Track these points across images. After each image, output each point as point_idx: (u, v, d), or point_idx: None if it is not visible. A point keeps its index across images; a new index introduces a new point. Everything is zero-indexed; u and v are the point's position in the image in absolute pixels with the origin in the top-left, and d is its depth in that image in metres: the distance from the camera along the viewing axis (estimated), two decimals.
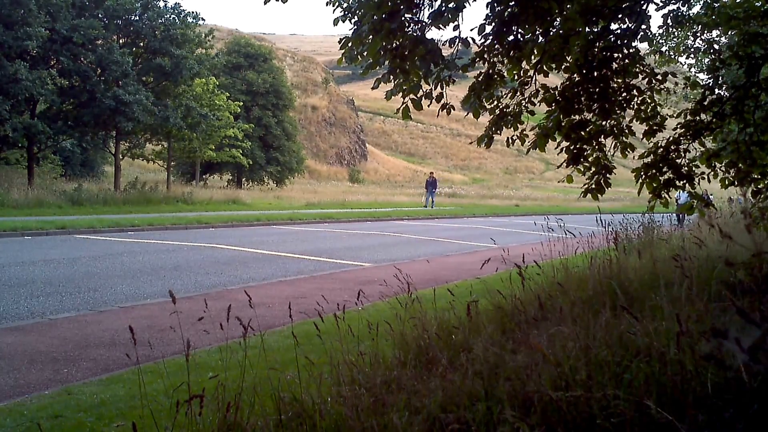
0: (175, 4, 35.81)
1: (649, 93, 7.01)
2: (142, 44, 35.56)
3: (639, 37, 6.72)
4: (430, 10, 6.07)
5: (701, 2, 9.67)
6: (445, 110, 6.52)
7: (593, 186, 6.92)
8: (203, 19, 37.45)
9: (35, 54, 29.93)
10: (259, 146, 51.44)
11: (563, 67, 6.79)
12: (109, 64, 30.91)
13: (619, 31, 6.72)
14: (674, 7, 7.99)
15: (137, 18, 34.93)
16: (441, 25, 5.93)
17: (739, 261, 5.21)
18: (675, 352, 3.32)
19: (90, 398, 5.04)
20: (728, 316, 4.15)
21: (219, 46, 51.09)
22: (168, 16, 35.03)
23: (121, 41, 34.84)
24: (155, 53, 34.56)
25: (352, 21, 6.19)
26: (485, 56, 6.66)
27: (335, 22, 6.33)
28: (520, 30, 6.40)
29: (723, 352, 2.62)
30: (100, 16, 33.08)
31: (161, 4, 35.35)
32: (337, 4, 6.32)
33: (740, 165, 7.50)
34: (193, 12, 36.20)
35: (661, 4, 7.59)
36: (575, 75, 6.74)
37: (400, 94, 6.38)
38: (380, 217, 31.72)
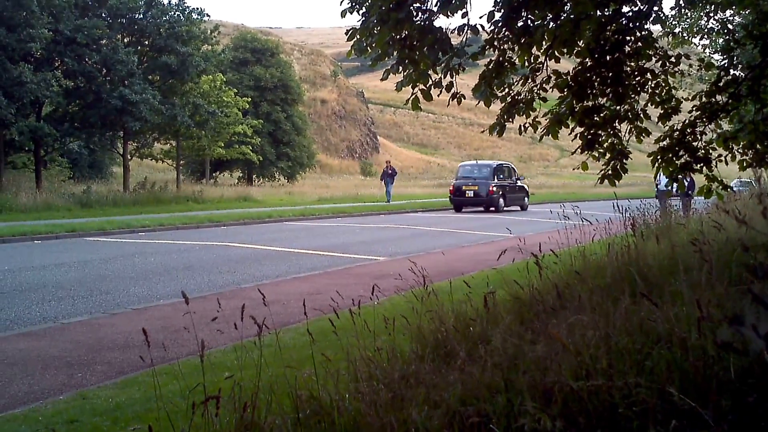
0: (179, 0, 35.80)
1: (663, 76, 6.90)
2: (147, 42, 35.65)
3: (651, 19, 6.63)
4: None
5: None
6: (455, 99, 6.43)
7: (609, 172, 6.83)
8: (208, 15, 37.50)
9: (39, 56, 30.00)
10: (268, 142, 51.44)
11: (575, 51, 6.66)
12: (115, 64, 30.93)
13: (630, 13, 6.60)
14: None
15: (141, 16, 34.95)
16: (449, 13, 5.84)
17: (759, 243, 5.13)
18: (696, 337, 3.27)
19: (105, 402, 5.01)
20: (748, 299, 4.08)
21: (225, 42, 51.07)
22: (172, 13, 35.04)
23: (125, 40, 34.89)
24: (161, 51, 34.59)
25: (360, 12, 6.10)
26: (495, 43, 6.56)
27: (343, 14, 6.24)
28: (530, 16, 6.28)
29: (743, 337, 2.57)
30: (103, 15, 33.15)
31: (165, 1, 35.36)
32: None
33: (758, 146, 7.40)
34: (197, 8, 36.30)
35: None
36: (587, 59, 6.62)
37: (410, 84, 6.30)
38: (394, 209, 31.60)
